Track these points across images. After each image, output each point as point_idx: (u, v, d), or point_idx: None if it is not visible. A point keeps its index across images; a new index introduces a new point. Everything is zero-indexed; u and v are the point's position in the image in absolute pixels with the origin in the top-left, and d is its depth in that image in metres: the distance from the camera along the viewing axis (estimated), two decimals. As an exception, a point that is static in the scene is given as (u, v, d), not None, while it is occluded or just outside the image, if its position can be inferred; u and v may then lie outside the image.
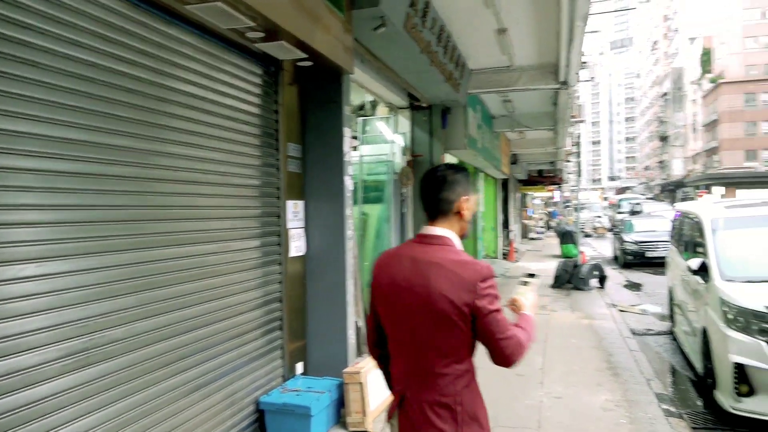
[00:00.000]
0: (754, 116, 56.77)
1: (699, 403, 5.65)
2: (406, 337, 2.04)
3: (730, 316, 5.04)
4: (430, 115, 9.29)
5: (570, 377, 5.96)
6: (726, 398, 4.98)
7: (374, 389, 4.59)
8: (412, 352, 2.03)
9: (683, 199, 60.97)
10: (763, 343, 4.73)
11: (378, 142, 8.75)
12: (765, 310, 4.82)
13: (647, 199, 49.58)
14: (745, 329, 4.89)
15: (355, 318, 5.25)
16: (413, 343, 2.01)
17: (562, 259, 13.13)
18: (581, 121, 19.09)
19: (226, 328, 3.94)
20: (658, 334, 8.56)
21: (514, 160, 20.43)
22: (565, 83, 8.77)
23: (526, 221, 29.33)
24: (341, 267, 4.96)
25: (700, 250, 6.44)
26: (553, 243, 25.87)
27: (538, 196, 37.22)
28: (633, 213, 30.11)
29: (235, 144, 4.12)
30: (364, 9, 5.03)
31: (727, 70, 59.01)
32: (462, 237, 2.14)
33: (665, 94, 77.70)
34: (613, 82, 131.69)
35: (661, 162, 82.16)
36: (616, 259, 19.24)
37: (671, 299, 8.28)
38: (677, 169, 72.26)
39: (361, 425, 4.40)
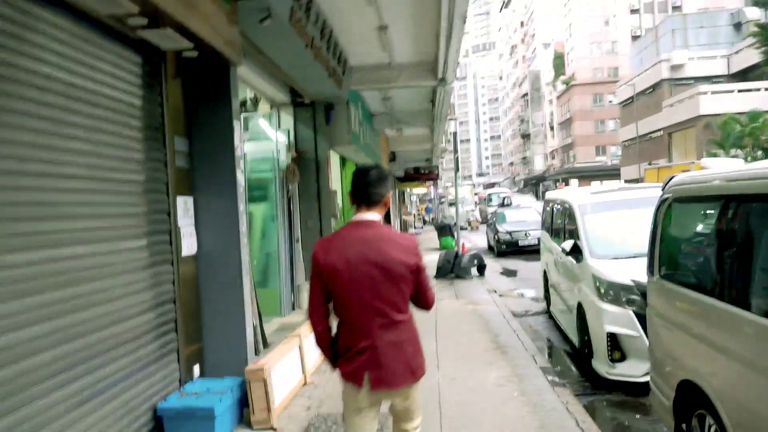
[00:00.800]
0: (601, 115, 62.50)
1: (577, 372, 6.14)
2: (370, 300, 2.59)
3: (602, 290, 5.53)
4: (313, 112, 9.27)
5: (462, 358, 6.23)
6: (602, 365, 5.46)
7: (278, 385, 4.51)
8: (376, 310, 2.60)
9: (545, 192, 65.73)
10: (631, 312, 5.25)
11: (261, 139, 8.58)
12: (631, 283, 5.33)
13: (514, 192, 52.89)
14: (615, 301, 5.39)
15: (252, 317, 5.12)
16: (377, 302, 2.60)
17: (443, 251, 13.65)
18: (454, 119, 20.02)
19: (116, 333, 3.68)
20: (536, 314, 9.19)
21: (392, 158, 20.89)
22: (443, 80, 9.12)
23: (405, 217, 30.11)
24: (236, 264, 4.81)
25: (571, 233, 6.99)
26: (431, 237, 26.82)
27: (415, 192, 38.34)
28: (502, 206, 31.98)
29: (116, 137, 3.85)
30: (249, 0, 4.92)
31: (577, 73, 64.40)
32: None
33: (525, 94, 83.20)
34: (477, 84, 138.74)
35: (524, 158, 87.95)
36: (491, 248, 20.32)
37: (546, 281, 8.91)
38: (539, 165, 77.76)
39: (267, 422, 4.30)
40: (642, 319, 5.18)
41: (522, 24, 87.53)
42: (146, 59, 4.25)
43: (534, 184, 77.55)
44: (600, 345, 5.48)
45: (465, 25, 6.52)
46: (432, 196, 43.59)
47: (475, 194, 59.43)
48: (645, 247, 6.00)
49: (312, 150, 9.29)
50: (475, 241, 24.91)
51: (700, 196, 3.45)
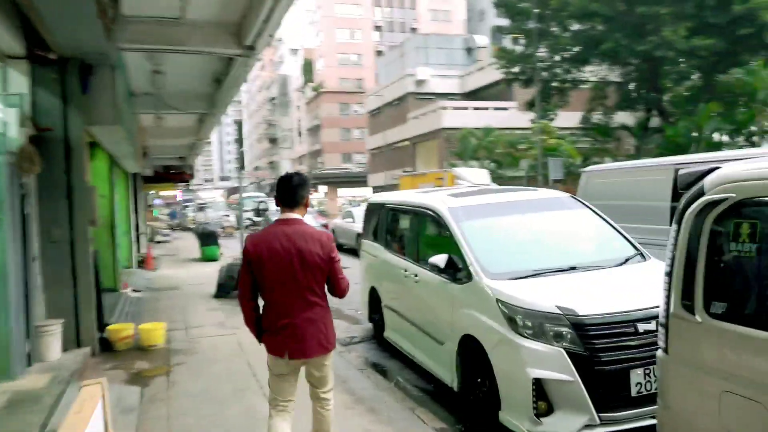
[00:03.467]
0: (348, 123, 64.65)
1: (460, 424, 4.76)
2: (290, 284, 3.32)
3: (518, 322, 4.22)
4: (62, 73, 6.46)
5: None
6: (521, 421, 4.13)
7: None
8: (295, 293, 3.33)
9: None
10: (563, 351, 4.02)
11: (-27, 105, 5.56)
12: (558, 311, 4.13)
13: (268, 196, 51.09)
14: (538, 336, 4.12)
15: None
16: (295, 287, 3.33)
17: (226, 264, 11.34)
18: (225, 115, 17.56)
19: None
20: (362, 341, 7.68)
21: (144, 152, 17.58)
22: (251, 48, 7.06)
23: (152, 223, 26.33)
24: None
25: (434, 245, 5.65)
26: (182, 245, 23.71)
27: (162, 195, 34.28)
28: (259, 211, 30.00)
29: None
30: None
31: (326, 81, 65.67)
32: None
33: (273, 98, 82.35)
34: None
35: (271, 163, 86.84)
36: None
37: (374, 302, 7.45)
38: (286, 169, 77.45)
39: None
40: (576, 359, 4.03)
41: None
42: None
43: (281, 190, 76.86)
44: (518, 393, 4.15)
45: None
46: (179, 199, 39.61)
47: (228, 198, 56.38)
48: (548, 262, 4.99)
49: (60, 128, 6.46)
50: (234, 248, 22.53)
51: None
